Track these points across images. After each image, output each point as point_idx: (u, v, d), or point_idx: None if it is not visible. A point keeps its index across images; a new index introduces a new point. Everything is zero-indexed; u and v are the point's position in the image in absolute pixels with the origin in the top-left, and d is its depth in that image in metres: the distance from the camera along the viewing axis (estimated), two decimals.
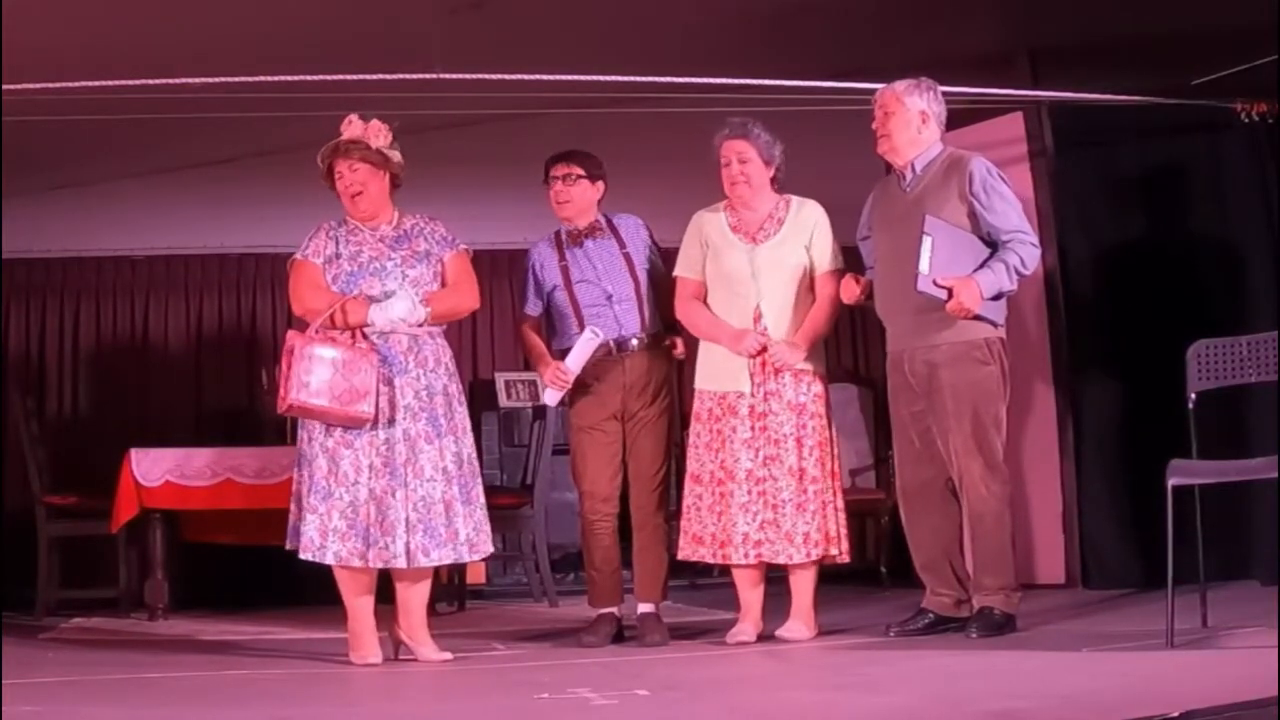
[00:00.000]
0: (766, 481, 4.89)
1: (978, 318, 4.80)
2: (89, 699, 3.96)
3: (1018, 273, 4.81)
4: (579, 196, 5.19)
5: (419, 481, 4.65)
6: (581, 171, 5.19)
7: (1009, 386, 4.94)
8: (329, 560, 4.61)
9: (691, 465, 5.03)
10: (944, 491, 4.96)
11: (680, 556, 5.11)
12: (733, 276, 5.00)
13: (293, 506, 4.71)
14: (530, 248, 5.33)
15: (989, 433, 4.83)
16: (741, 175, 5.00)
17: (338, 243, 4.81)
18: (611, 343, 5.10)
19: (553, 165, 5.22)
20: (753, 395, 4.94)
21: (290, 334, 4.68)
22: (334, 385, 4.55)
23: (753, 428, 4.92)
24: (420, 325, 4.75)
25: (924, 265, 4.71)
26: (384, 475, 4.62)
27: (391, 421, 4.66)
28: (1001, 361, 4.88)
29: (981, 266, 4.80)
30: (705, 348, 5.07)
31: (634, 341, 5.14)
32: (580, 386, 5.13)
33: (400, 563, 4.62)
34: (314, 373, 4.55)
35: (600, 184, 5.23)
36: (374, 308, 4.68)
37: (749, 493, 4.89)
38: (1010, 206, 4.87)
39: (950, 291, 4.71)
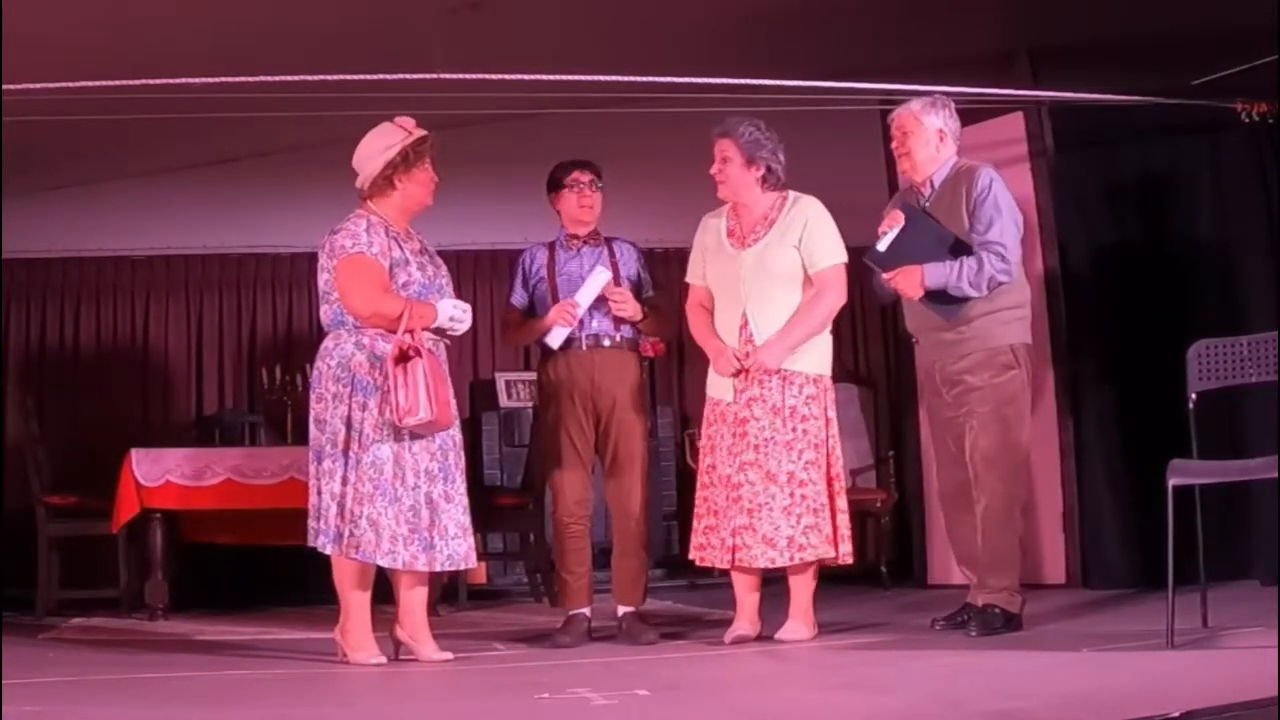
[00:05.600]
0: (743, 487, 4.86)
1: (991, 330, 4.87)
2: (89, 699, 3.96)
3: (972, 276, 4.79)
4: (598, 203, 5.24)
5: (463, 486, 4.72)
6: (600, 179, 5.23)
7: (1031, 392, 5.00)
8: (395, 564, 4.57)
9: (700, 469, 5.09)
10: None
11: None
12: (724, 283, 5.00)
13: (330, 510, 4.57)
14: (525, 249, 5.37)
15: (1011, 434, 4.88)
16: (720, 175, 5.01)
17: (399, 246, 4.73)
18: (582, 336, 5.12)
19: (571, 172, 5.21)
20: (734, 401, 4.93)
21: (404, 344, 4.54)
22: (438, 394, 4.55)
23: (733, 434, 4.92)
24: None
25: (882, 244, 4.90)
26: (440, 480, 4.66)
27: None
28: (1027, 367, 4.95)
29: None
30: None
31: (606, 340, 5.15)
32: (550, 384, 5.16)
33: (470, 564, 4.71)
34: (436, 383, 4.53)
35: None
36: (440, 305, 4.67)
37: (726, 498, 4.90)
38: (1000, 217, 4.86)
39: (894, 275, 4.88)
